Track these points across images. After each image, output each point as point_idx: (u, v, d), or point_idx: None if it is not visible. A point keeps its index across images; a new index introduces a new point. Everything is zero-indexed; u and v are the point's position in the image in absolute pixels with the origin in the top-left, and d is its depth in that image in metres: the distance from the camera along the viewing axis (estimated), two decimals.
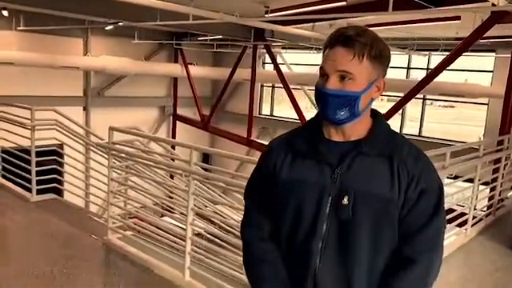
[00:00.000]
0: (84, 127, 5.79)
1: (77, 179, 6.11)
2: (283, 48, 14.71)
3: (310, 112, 14.84)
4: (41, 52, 11.99)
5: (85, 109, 14.20)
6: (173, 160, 4.79)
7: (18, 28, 11.66)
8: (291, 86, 12.29)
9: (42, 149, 5.74)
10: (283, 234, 1.48)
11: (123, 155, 4.39)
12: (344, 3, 7.10)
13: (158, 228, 4.12)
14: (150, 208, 4.46)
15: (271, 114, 16.64)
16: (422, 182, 1.38)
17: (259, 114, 16.50)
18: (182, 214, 4.29)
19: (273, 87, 16.39)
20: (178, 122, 16.30)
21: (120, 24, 11.51)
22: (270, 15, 8.51)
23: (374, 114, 1.50)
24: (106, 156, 4.49)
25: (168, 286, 3.71)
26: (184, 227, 3.73)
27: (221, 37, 13.35)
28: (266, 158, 1.53)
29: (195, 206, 3.81)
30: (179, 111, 16.24)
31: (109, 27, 12.34)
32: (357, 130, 1.43)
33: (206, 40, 14.31)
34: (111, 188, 4.44)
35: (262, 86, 16.57)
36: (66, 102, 12.96)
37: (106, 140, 4.29)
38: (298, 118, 11.71)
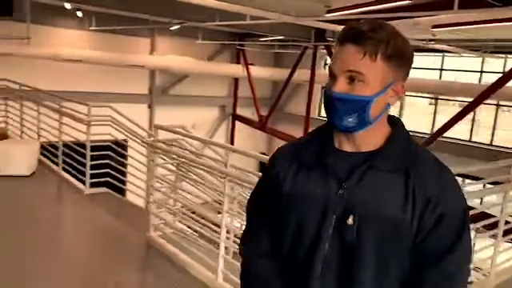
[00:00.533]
0: (137, 124, 5.91)
1: (130, 175, 6.31)
2: None
3: None
4: (110, 51, 12.62)
5: (149, 106, 14.78)
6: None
7: (90, 28, 12.38)
8: None
9: (97, 143, 5.99)
10: (283, 252, 1.34)
11: (162, 152, 4.42)
12: (409, 2, 6.71)
13: (194, 231, 4.11)
14: (192, 207, 4.44)
15: None
16: (441, 206, 1.17)
17: (318, 115, 16.22)
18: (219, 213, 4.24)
19: None
20: (236, 121, 16.47)
21: (184, 24, 11.85)
22: (330, 15, 8.27)
23: (394, 121, 1.30)
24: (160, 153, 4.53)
25: (200, 287, 3.68)
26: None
27: (282, 37, 13.27)
28: (270, 168, 1.40)
29: (231, 209, 3.75)
30: (239, 111, 16.41)
31: (174, 27, 12.73)
32: (370, 139, 1.24)
33: (267, 41, 14.30)
34: (153, 184, 4.50)
35: (323, 88, 16.27)
36: (132, 99, 13.58)
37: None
38: None
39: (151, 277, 3.97)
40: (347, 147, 1.27)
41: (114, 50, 12.72)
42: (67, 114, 6.32)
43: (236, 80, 16.21)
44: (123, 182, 6.22)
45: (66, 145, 6.60)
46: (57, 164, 6.67)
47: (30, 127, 7.54)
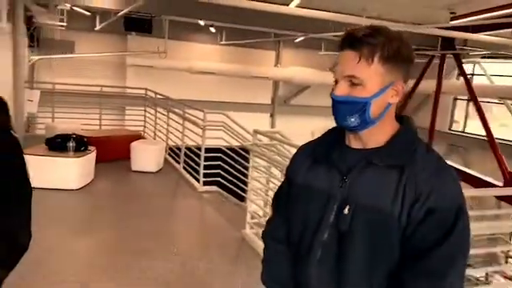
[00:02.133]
0: (245, 129, 6.33)
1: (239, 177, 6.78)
2: (483, 57, 13.09)
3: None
4: (238, 63, 13.59)
5: (271, 115, 15.44)
6: None
7: (221, 42, 13.50)
8: (491, 100, 10.85)
9: (211, 146, 6.60)
10: (293, 239, 1.47)
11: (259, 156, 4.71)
12: None
13: None
14: None
15: (463, 131, 14.95)
16: (431, 201, 1.19)
17: (449, 129, 15.04)
18: None
19: (468, 101, 14.72)
20: None
21: (308, 36, 12.20)
22: (455, 22, 7.77)
23: (403, 120, 1.35)
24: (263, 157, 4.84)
25: None
26: None
27: None
28: (291, 163, 1.55)
29: None
30: None
31: (298, 39, 13.17)
32: (375, 137, 1.32)
33: None
34: (251, 186, 4.82)
35: (454, 99, 15.07)
36: (255, 108, 14.37)
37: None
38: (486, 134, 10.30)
39: (243, 269, 4.25)
40: (355, 144, 1.36)
41: (241, 63, 13.67)
42: (188, 120, 7.07)
43: None
44: (233, 183, 6.70)
45: (187, 147, 7.39)
46: (179, 163, 7.49)
47: (161, 130, 8.59)
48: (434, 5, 7.24)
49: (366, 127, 1.29)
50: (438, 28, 7.79)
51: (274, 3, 8.08)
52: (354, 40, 1.22)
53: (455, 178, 1.25)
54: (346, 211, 1.30)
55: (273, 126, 15.25)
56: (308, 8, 7.88)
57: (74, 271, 3.84)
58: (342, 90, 1.26)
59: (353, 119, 1.27)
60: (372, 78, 1.23)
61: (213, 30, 12.97)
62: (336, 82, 1.30)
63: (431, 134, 12.32)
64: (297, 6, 7.79)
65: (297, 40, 13.32)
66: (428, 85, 12.99)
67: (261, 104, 15.00)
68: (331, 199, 1.33)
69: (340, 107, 1.28)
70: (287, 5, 7.95)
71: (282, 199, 1.56)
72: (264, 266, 1.56)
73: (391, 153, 1.28)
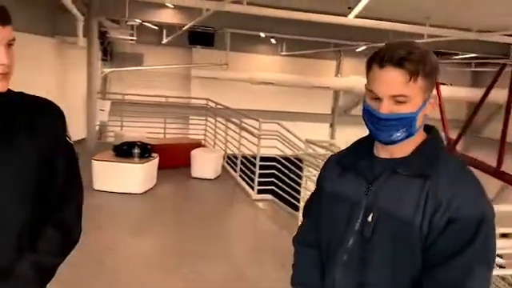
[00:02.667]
0: (299, 138, 6.38)
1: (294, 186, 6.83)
2: None
3: None
4: (298, 73, 13.68)
5: (331, 125, 15.33)
6: None
7: (281, 53, 13.68)
8: None
9: (266, 155, 6.73)
10: (321, 244, 1.53)
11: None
12: None
13: None
14: None
15: None
16: (452, 210, 1.19)
17: None
18: None
19: None
20: None
21: (370, 45, 12.04)
22: None
23: (430, 130, 1.37)
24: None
25: None
26: None
27: (477, 55, 12.12)
28: (321, 171, 1.61)
29: None
30: None
31: (360, 49, 13.03)
32: (403, 147, 1.34)
33: (464, 58, 13.20)
34: (304, 195, 4.86)
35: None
36: (315, 118, 14.36)
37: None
38: None
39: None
40: (383, 154, 1.39)
41: (302, 73, 13.75)
42: (245, 129, 7.26)
43: None
44: (287, 192, 6.77)
45: (244, 156, 7.58)
46: (235, 171, 7.70)
47: (220, 139, 8.87)
48: (502, 11, 6.87)
49: (406, 140, 1.32)
50: (509, 36, 7.38)
51: (334, 14, 8.10)
52: (398, 58, 1.22)
53: (479, 187, 1.25)
54: (369, 218, 1.33)
55: (332, 136, 15.13)
56: (368, 18, 7.81)
57: (132, 270, 4.10)
58: (388, 107, 1.26)
59: (399, 134, 1.28)
60: (417, 95, 1.25)
61: (273, 41, 13.21)
62: (373, 97, 1.28)
63: (502, 146, 11.57)
64: (357, 16, 7.75)
65: (358, 49, 13.18)
66: (499, 94, 12.25)
67: (321, 114, 14.95)
68: (357, 206, 1.37)
69: (386, 124, 1.28)
70: (346, 15, 7.93)
71: (313, 206, 1.62)
72: (294, 269, 1.62)
73: (415, 162, 1.30)
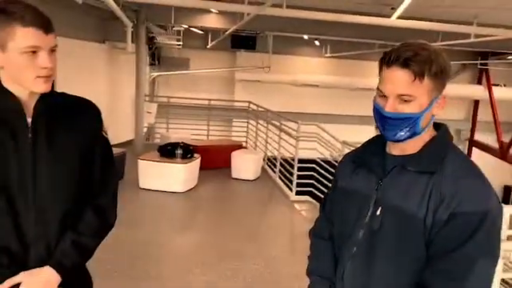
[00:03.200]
0: (340, 141, 6.38)
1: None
2: None
3: None
4: (342, 75, 13.56)
5: (377, 127, 15.03)
6: None
7: (326, 55, 13.63)
8: None
9: (306, 157, 6.78)
10: (335, 236, 1.60)
11: None
12: None
13: None
14: None
15: None
16: (454, 205, 1.23)
17: None
18: None
19: None
20: (474, 148, 14.96)
21: None
22: None
23: (440, 128, 1.41)
24: None
25: None
26: None
27: None
28: (337, 169, 1.69)
29: None
30: (477, 136, 14.89)
31: None
32: (413, 144, 1.38)
33: None
34: None
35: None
36: (360, 120, 14.13)
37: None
38: None
39: None
40: (394, 151, 1.45)
41: (346, 74, 13.62)
42: (284, 131, 7.34)
43: (476, 102, 14.80)
44: (325, 194, 6.78)
45: (284, 158, 7.66)
46: (275, 172, 7.80)
47: (261, 141, 9.01)
48: None
49: (412, 138, 1.37)
50: None
51: (378, 15, 8.02)
52: (405, 58, 1.26)
53: (485, 184, 1.28)
54: (378, 212, 1.40)
55: None
56: (412, 18, 7.67)
57: (174, 264, 4.32)
58: (393, 106, 1.31)
59: (403, 133, 1.33)
60: (423, 94, 1.29)
61: (317, 43, 13.18)
62: (382, 96, 1.35)
63: None
64: (400, 17, 7.63)
65: None
66: None
67: (365, 116, 14.71)
68: (367, 201, 1.44)
69: (390, 122, 1.33)
70: (389, 16, 7.83)
71: (328, 201, 1.70)
72: (309, 260, 1.70)
73: (423, 159, 1.35)
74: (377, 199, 1.40)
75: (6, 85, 1.37)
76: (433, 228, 1.27)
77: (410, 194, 1.33)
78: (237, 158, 7.84)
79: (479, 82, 14.48)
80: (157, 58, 12.48)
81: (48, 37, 1.32)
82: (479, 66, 14.18)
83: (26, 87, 1.36)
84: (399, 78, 1.27)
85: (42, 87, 1.36)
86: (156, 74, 12.28)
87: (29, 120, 1.39)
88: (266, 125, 8.69)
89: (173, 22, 9.07)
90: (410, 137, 1.34)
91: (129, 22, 7.88)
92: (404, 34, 10.13)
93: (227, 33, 9.76)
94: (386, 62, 1.31)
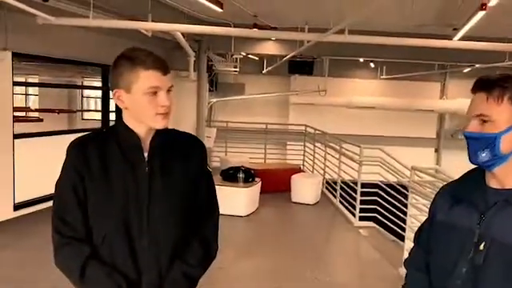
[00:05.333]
0: (405, 166, 6.24)
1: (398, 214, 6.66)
2: None
3: None
4: (399, 97, 13.32)
5: (436, 150, 14.56)
6: None
7: (381, 77, 13.47)
8: None
9: (368, 181, 6.68)
10: (434, 270, 1.60)
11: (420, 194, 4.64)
12: None
13: None
14: None
15: None
16: None
17: None
18: None
19: None
20: None
21: (476, 66, 11.42)
22: None
23: None
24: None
25: None
26: None
27: None
28: (433, 201, 1.68)
29: None
30: None
31: (466, 70, 12.38)
32: (510, 176, 1.40)
33: None
34: (410, 223, 4.77)
35: None
36: (418, 143, 13.76)
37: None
38: None
39: None
40: (494, 184, 1.45)
41: (403, 96, 13.36)
42: (345, 154, 7.30)
43: None
44: (390, 220, 6.61)
45: (343, 182, 7.59)
46: (335, 197, 7.73)
47: (318, 164, 8.98)
48: None
49: (497, 163, 1.37)
50: None
51: (438, 36, 7.89)
52: (487, 83, 1.33)
53: None
54: (481, 247, 1.39)
55: (438, 161, 14.33)
56: (474, 38, 7.47)
57: None
58: (473, 127, 1.35)
59: (483, 154, 1.35)
60: (501, 116, 1.32)
61: (372, 65, 13.09)
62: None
63: None
64: (463, 38, 7.45)
65: (465, 70, 12.51)
66: None
67: (424, 138, 14.29)
68: (470, 236, 1.43)
69: (470, 143, 1.37)
70: (451, 37, 7.68)
71: (424, 233, 1.69)
72: None
73: None
74: (480, 234, 1.39)
75: (127, 123, 1.53)
76: None
77: None
78: (297, 181, 7.86)
79: None
80: (214, 84, 12.89)
81: (165, 77, 1.49)
82: None
83: (147, 124, 1.51)
84: (478, 99, 1.32)
85: (161, 123, 1.51)
86: (215, 99, 12.66)
87: (145, 154, 1.54)
88: (324, 148, 8.67)
89: (233, 50, 9.40)
90: (491, 160, 1.34)
91: (192, 51, 8.25)
92: (465, 54, 9.89)
93: (285, 59, 9.94)
94: (472, 88, 1.37)
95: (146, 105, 1.46)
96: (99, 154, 1.51)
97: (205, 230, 1.65)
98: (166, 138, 1.58)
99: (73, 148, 1.53)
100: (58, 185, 1.54)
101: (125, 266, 1.51)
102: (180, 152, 1.60)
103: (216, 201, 1.73)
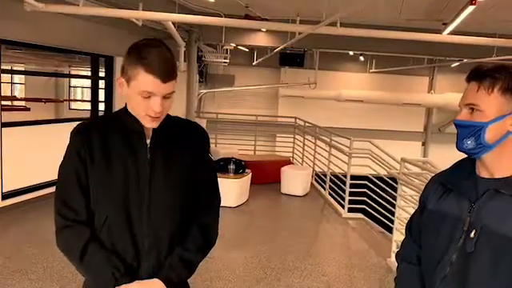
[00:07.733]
0: (393, 157, 6.31)
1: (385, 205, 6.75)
2: None
3: None
4: (387, 91, 13.43)
5: (423, 144, 14.74)
6: None
7: (371, 70, 13.56)
8: None
9: (356, 174, 6.75)
10: (424, 260, 1.63)
11: (411, 186, 4.70)
12: None
13: None
14: None
15: None
16: None
17: None
18: None
19: None
20: None
21: (464, 61, 11.57)
22: None
23: None
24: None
25: None
26: None
27: None
28: (424, 191, 1.71)
29: None
30: None
31: (454, 64, 12.53)
32: (501, 166, 1.42)
33: None
34: (398, 215, 4.84)
35: None
36: (405, 136, 13.91)
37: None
38: None
39: None
40: (483, 173, 1.48)
41: (391, 90, 13.48)
42: (334, 147, 7.35)
43: None
44: (378, 211, 6.70)
45: (333, 174, 7.65)
46: (324, 189, 7.79)
47: (308, 157, 9.03)
48: None
49: (482, 152, 1.40)
50: None
51: (428, 31, 7.95)
52: (479, 73, 1.37)
53: None
54: (472, 235, 1.42)
55: (425, 154, 14.52)
56: (464, 33, 7.55)
57: (228, 279, 4.38)
58: (463, 116, 1.39)
59: (469, 142, 1.39)
60: (490, 106, 1.34)
61: (362, 58, 13.15)
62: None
63: None
64: (452, 33, 7.52)
65: (453, 65, 12.66)
66: None
67: (412, 132, 14.46)
68: (460, 224, 1.46)
69: (459, 131, 1.42)
70: (441, 31, 7.74)
71: (414, 224, 1.72)
72: (396, 283, 1.73)
73: None
74: (470, 222, 1.42)
75: (129, 110, 1.54)
76: None
77: (507, 216, 1.34)
78: (287, 173, 7.91)
79: None
80: (204, 75, 12.82)
81: (164, 85, 1.44)
82: None
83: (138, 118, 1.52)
84: (470, 89, 1.36)
85: (150, 124, 1.51)
86: (204, 91, 12.61)
87: (148, 141, 1.54)
88: (314, 140, 8.72)
89: (223, 41, 9.35)
90: (476, 149, 1.38)
91: (182, 41, 8.19)
92: (454, 48, 10.00)
93: (276, 50, 9.93)
94: (466, 78, 1.40)
95: (138, 103, 1.47)
96: (102, 139, 1.52)
97: (205, 217, 1.66)
98: (169, 126, 1.58)
99: (76, 133, 1.54)
100: (60, 169, 1.55)
101: (124, 251, 1.52)
102: (182, 139, 1.61)
103: (217, 189, 1.74)
